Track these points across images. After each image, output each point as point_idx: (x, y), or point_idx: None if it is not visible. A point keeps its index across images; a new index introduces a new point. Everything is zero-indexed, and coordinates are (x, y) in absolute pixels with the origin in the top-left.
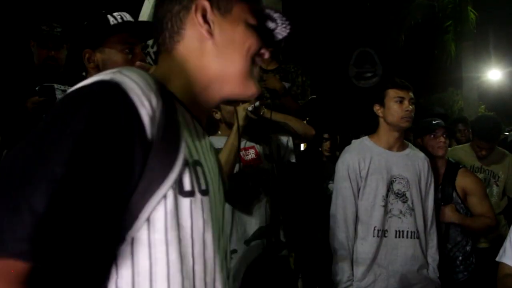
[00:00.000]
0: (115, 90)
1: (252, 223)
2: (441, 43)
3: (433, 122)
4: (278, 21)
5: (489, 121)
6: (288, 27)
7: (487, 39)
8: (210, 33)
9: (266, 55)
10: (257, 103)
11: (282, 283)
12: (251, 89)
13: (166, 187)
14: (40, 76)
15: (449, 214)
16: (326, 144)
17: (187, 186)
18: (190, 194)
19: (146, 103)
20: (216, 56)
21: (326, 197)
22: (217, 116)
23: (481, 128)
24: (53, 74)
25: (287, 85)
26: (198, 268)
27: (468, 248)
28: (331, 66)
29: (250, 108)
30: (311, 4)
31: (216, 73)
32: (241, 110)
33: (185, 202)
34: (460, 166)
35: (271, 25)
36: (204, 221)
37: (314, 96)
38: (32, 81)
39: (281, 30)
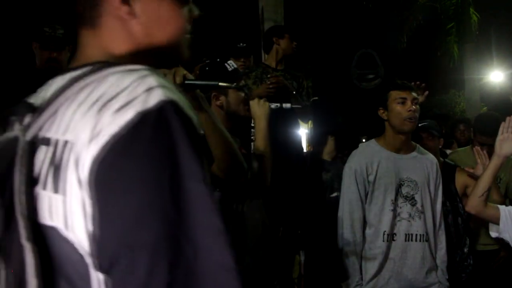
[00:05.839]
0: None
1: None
2: (443, 45)
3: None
4: None
5: (489, 117)
6: None
7: (489, 40)
8: (132, 13)
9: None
10: (288, 105)
11: None
12: (182, 57)
13: None
14: (42, 78)
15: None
16: (329, 145)
17: None
18: None
19: None
20: (145, 37)
21: (330, 201)
22: (218, 102)
23: (482, 124)
24: (55, 76)
25: (295, 84)
26: None
27: (465, 249)
28: (333, 67)
29: (273, 106)
30: (313, 6)
31: (147, 53)
32: (262, 106)
33: None
34: (457, 166)
35: None
36: None
37: (316, 98)
38: (33, 83)
39: None
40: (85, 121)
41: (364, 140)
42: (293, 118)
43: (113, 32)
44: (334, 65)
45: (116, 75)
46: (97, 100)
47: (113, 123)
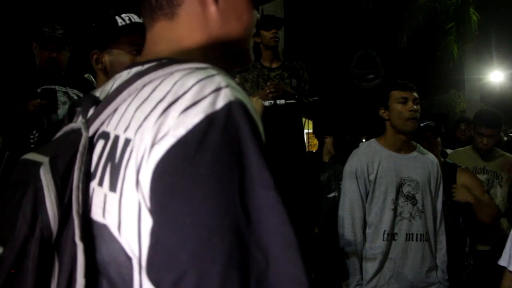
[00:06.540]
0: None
1: None
2: (443, 45)
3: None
4: None
5: (488, 110)
6: None
7: (489, 40)
8: None
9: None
10: (282, 101)
11: None
12: (249, 60)
13: None
14: (42, 78)
15: (465, 193)
16: (328, 144)
17: None
18: None
19: None
20: (220, 26)
21: (328, 201)
22: None
23: (483, 116)
24: (54, 76)
25: (294, 82)
26: None
27: (466, 249)
28: (333, 67)
29: (267, 104)
30: (313, 6)
31: (219, 45)
32: (255, 104)
33: None
34: (457, 166)
35: None
36: None
37: (316, 98)
38: (33, 82)
39: None
40: (149, 120)
41: (364, 140)
42: (292, 116)
43: (190, 21)
44: (334, 65)
45: (181, 72)
46: (162, 99)
47: (180, 125)
